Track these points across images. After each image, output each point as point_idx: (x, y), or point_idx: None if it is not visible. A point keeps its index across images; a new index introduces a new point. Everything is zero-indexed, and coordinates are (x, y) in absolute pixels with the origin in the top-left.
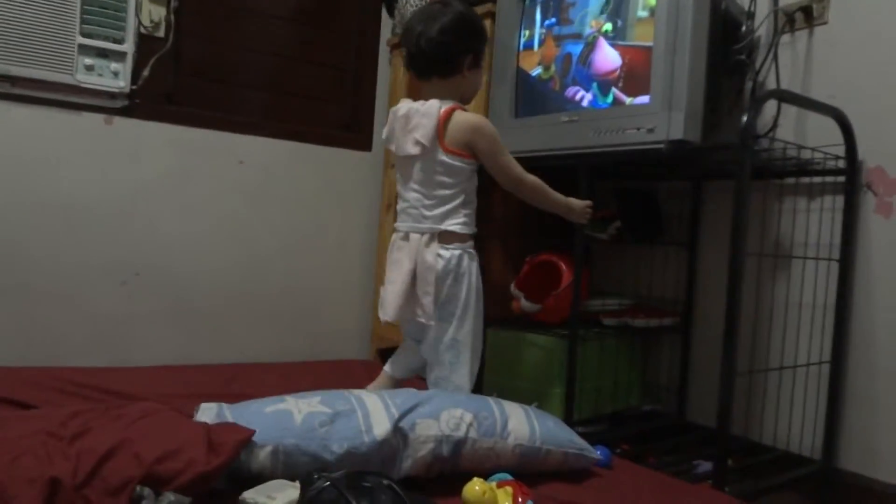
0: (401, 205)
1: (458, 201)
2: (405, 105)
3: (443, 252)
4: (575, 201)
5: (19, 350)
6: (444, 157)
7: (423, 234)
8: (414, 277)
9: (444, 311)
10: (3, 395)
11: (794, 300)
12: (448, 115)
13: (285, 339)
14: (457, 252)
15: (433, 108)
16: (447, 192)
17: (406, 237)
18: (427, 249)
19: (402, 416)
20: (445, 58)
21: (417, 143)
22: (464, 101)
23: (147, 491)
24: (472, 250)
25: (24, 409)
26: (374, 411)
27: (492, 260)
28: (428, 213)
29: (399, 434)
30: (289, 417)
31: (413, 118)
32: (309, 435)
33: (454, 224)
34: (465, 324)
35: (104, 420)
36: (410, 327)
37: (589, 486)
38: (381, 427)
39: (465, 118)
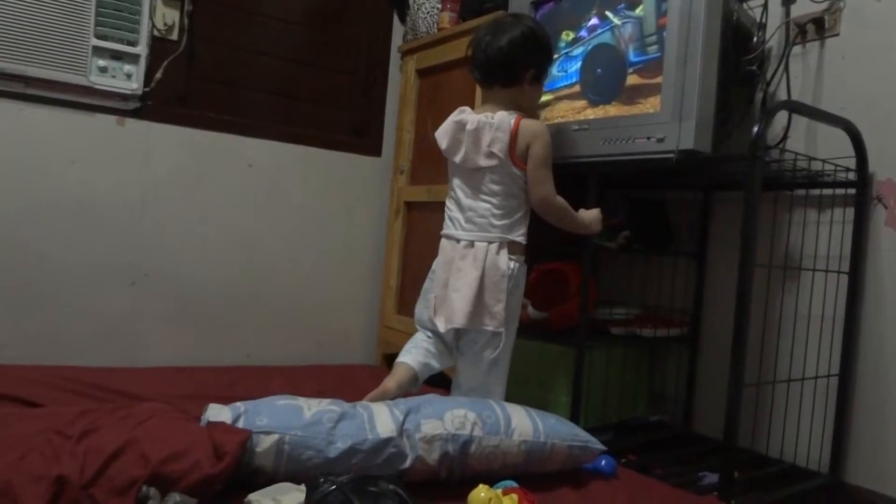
0: (463, 213)
1: (521, 213)
2: (470, 116)
3: (511, 262)
4: (589, 217)
5: (27, 348)
6: (514, 170)
7: (491, 242)
8: (482, 285)
9: (494, 321)
10: (10, 393)
11: (803, 312)
12: (517, 127)
13: (291, 342)
14: (517, 263)
15: (505, 121)
16: (515, 202)
17: (471, 245)
18: (499, 258)
19: (406, 416)
20: (509, 67)
21: (493, 155)
22: (526, 111)
23: (153, 491)
24: (523, 261)
25: (31, 407)
26: (378, 413)
27: None
28: (497, 223)
29: (405, 435)
30: (298, 412)
31: (485, 131)
32: (316, 428)
33: (519, 235)
34: (511, 335)
35: (111, 420)
36: (448, 335)
37: (594, 495)
38: (385, 427)
39: (530, 124)
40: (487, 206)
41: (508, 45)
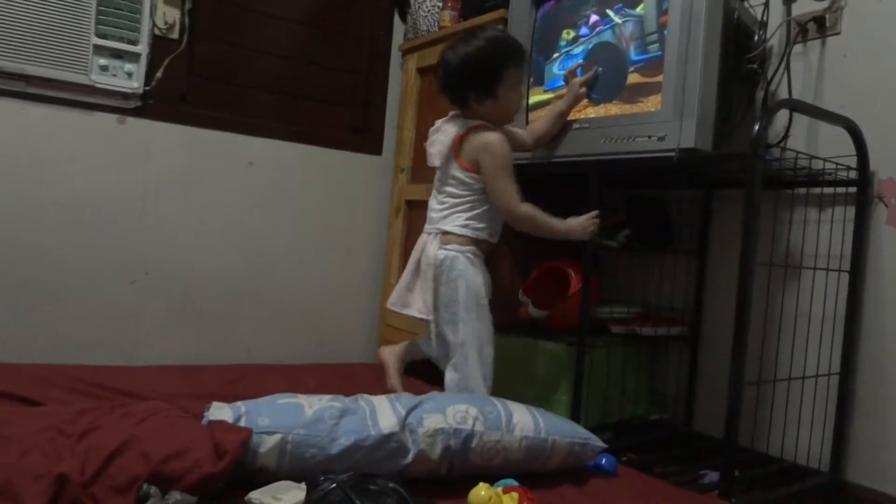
0: (428, 211)
1: (461, 208)
2: (441, 120)
3: (440, 251)
4: (573, 223)
5: (28, 347)
6: (456, 171)
7: (429, 233)
8: (415, 273)
9: (448, 313)
10: (11, 391)
11: (804, 311)
12: (465, 135)
13: (292, 340)
14: (451, 253)
15: (451, 128)
16: (454, 199)
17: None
18: (430, 246)
19: (409, 412)
20: (455, 93)
21: (436, 156)
22: (494, 121)
23: (154, 489)
24: (471, 255)
25: (32, 406)
26: (380, 408)
27: (500, 266)
28: (436, 216)
29: (407, 429)
30: (299, 410)
31: (436, 135)
32: (317, 426)
33: (454, 226)
34: (467, 326)
35: (112, 418)
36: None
37: (595, 494)
38: (387, 422)
39: (480, 137)
40: (434, 201)
41: (446, 75)
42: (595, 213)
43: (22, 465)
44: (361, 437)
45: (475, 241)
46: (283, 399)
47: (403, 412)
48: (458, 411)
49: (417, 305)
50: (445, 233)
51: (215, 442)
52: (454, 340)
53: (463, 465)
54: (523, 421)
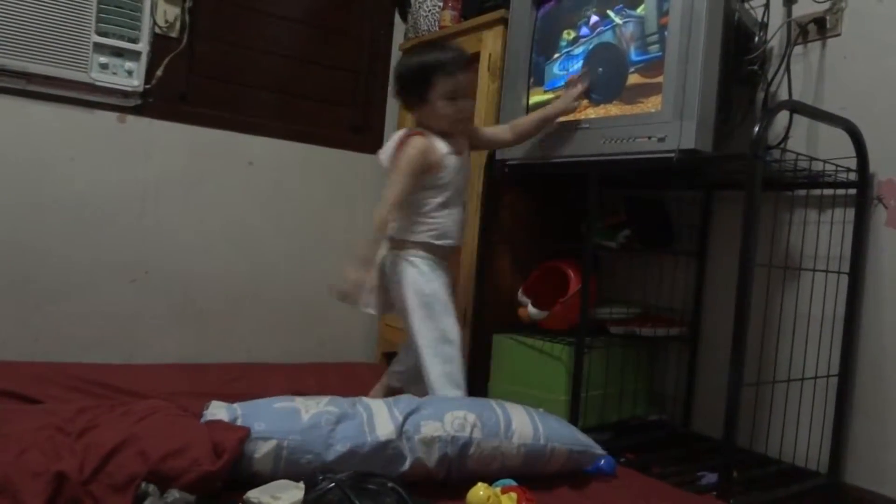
0: None
1: (403, 213)
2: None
3: (384, 255)
4: (359, 276)
5: (27, 345)
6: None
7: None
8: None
9: (402, 314)
10: (10, 389)
11: (803, 312)
12: (405, 140)
13: (292, 340)
14: (389, 256)
15: (398, 134)
16: (404, 203)
17: None
18: (382, 250)
19: (406, 418)
20: (402, 97)
21: (384, 161)
22: (432, 128)
23: (152, 487)
24: (413, 258)
25: (32, 404)
26: (378, 413)
27: (499, 266)
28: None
29: (404, 436)
30: (296, 415)
31: (389, 141)
32: (314, 432)
33: (395, 230)
34: (416, 328)
35: (111, 416)
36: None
37: (593, 495)
38: (384, 429)
39: (411, 140)
40: None
41: (397, 81)
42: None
43: (21, 462)
44: (358, 443)
45: (418, 245)
46: (280, 403)
47: (401, 418)
48: (457, 418)
49: (363, 300)
50: (391, 237)
51: (214, 441)
52: (412, 342)
53: (460, 470)
54: (522, 427)
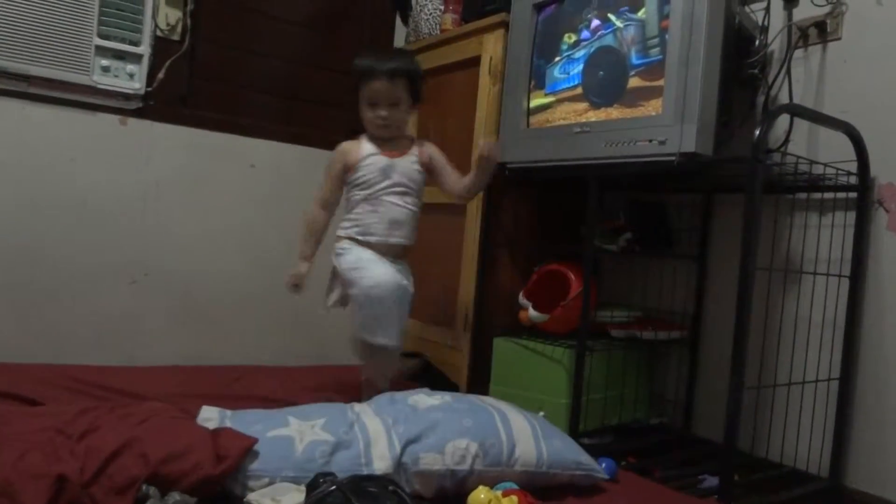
0: None
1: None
2: None
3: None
4: (294, 271)
5: (28, 346)
6: None
7: None
8: None
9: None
10: (11, 391)
11: (804, 316)
12: None
13: (292, 342)
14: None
15: None
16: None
17: None
18: None
19: (405, 447)
20: None
21: None
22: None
23: (153, 490)
24: (339, 250)
25: (32, 405)
26: (375, 440)
27: (500, 269)
28: None
29: (401, 469)
30: (290, 446)
31: None
32: (308, 466)
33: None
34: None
35: (111, 418)
36: None
37: (594, 499)
38: (382, 462)
39: None
40: None
41: None
42: (294, 279)
43: (22, 465)
44: None
45: (344, 239)
46: (273, 431)
47: (399, 448)
48: (458, 449)
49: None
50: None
51: (217, 445)
52: None
53: (458, 493)
54: (526, 453)
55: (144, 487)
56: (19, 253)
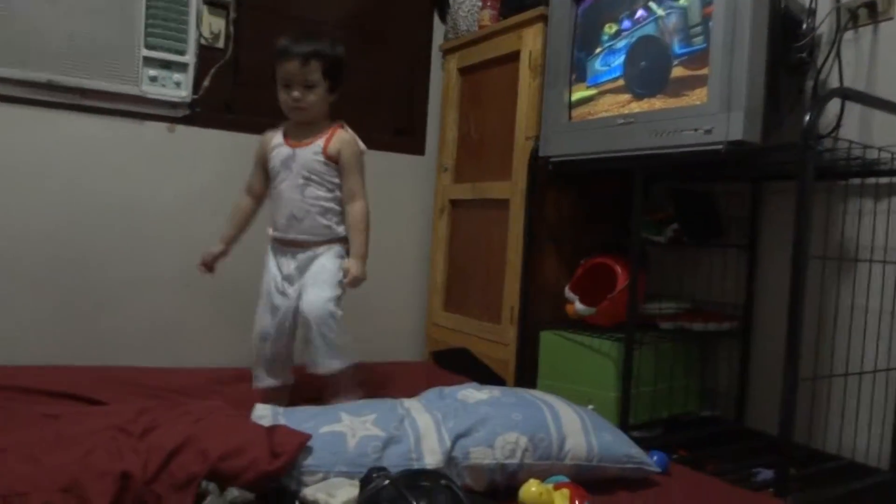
0: None
1: None
2: None
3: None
4: (209, 249)
5: (80, 351)
6: None
7: None
8: None
9: None
10: (71, 392)
11: (860, 304)
12: None
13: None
14: None
15: None
16: None
17: None
18: None
19: (455, 441)
20: None
21: None
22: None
23: (212, 486)
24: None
25: (92, 405)
26: (426, 435)
27: (545, 262)
28: None
29: (452, 463)
30: (342, 441)
31: None
32: (360, 461)
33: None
34: None
35: (170, 417)
36: None
37: (646, 492)
38: (432, 456)
39: None
40: None
41: None
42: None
43: (87, 463)
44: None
45: (271, 238)
46: (326, 427)
47: (449, 443)
48: (508, 443)
49: None
50: None
51: (272, 442)
52: None
53: (508, 486)
54: (576, 447)
55: (204, 484)
56: (73, 261)
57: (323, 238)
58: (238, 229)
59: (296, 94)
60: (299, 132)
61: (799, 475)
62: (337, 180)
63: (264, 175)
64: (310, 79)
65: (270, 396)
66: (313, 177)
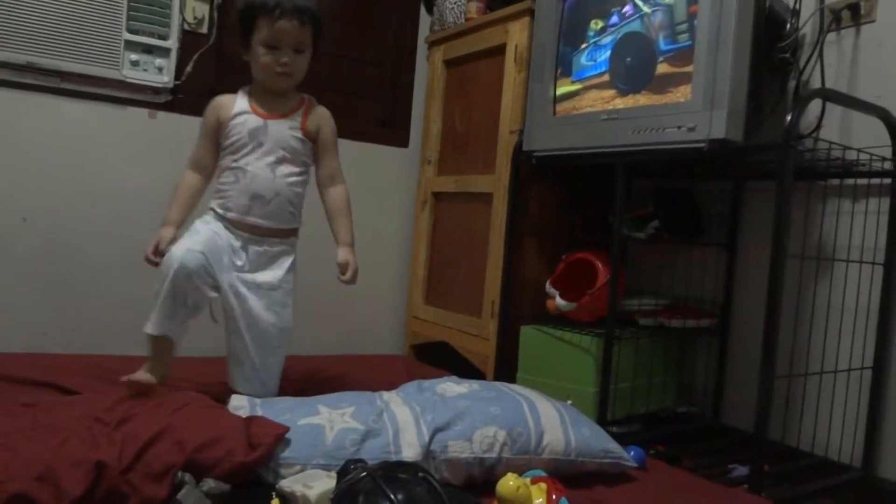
0: None
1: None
2: None
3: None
4: (158, 235)
5: (65, 338)
6: None
7: None
8: None
9: None
10: (50, 380)
11: (836, 304)
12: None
13: (319, 332)
14: None
15: None
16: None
17: None
18: None
19: (434, 435)
20: (239, 31)
21: None
22: (262, 84)
23: (188, 477)
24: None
25: (69, 394)
26: (404, 428)
27: (526, 257)
28: None
29: (430, 457)
30: (320, 434)
31: None
32: (338, 454)
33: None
34: None
35: (147, 407)
36: None
37: (623, 487)
38: (411, 450)
39: None
40: None
41: None
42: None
43: (62, 452)
44: None
45: (209, 211)
46: (304, 419)
47: (428, 436)
48: (486, 437)
49: None
50: None
51: (250, 434)
52: None
53: (486, 480)
54: (554, 441)
55: (180, 474)
56: (57, 247)
57: (284, 226)
58: (188, 210)
59: (286, 58)
60: (268, 101)
61: (773, 471)
62: (309, 161)
63: (214, 148)
64: (303, 41)
65: (162, 350)
66: (287, 154)
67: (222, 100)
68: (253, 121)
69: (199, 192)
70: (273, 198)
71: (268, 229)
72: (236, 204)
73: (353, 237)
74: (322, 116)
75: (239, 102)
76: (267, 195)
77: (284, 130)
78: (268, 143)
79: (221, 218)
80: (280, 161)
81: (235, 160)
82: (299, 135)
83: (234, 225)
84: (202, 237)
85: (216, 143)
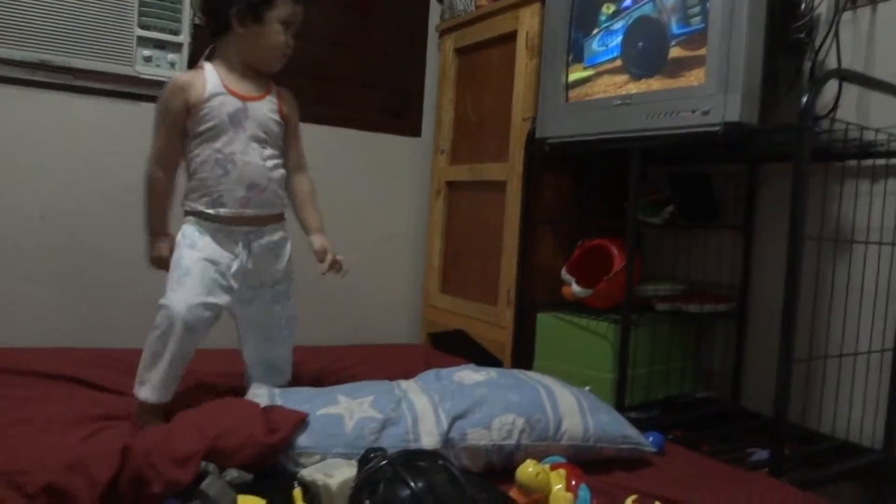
0: None
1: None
2: None
3: None
4: (156, 252)
5: (80, 333)
6: None
7: None
8: None
9: None
10: (70, 374)
11: (856, 286)
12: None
13: (335, 322)
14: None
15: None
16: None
17: None
18: None
19: (452, 423)
20: (210, 11)
21: None
22: (252, 63)
23: (212, 466)
24: (181, 236)
25: (91, 387)
26: (423, 416)
27: (542, 244)
28: None
29: (449, 444)
30: (339, 423)
31: None
32: (357, 443)
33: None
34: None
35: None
36: None
37: (643, 472)
38: (429, 437)
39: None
40: None
41: None
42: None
43: (90, 441)
44: None
45: (192, 214)
46: (322, 409)
47: (446, 424)
48: (505, 424)
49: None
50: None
51: (269, 420)
52: None
53: (506, 465)
54: (572, 427)
55: (204, 464)
56: (69, 242)
57: (277, 211)
58: (168, 212)
59: (292, 40)
60: (242, 81)
61: (793, 455)
62: (282, 145)
63: (179, 137)
64: (300, 24)
65: (158, 410)
66: (268, 138)
67: (187, 78)
68: (231, 103)
69: (171, 190)
70: (267, 185)
71: (266, 216)
72: (231, 198)
73: (322, 224)
74: (291, 101)
75: (210, 82)
76: (262, 183)
77: (266, 112)
78: (250, 127)
79: (211, 219)
80: (263, 145)
81: (219, 149)
82: (277, 117)
83: (232, 222)
84: (197, 279)
85: (181, 130)
